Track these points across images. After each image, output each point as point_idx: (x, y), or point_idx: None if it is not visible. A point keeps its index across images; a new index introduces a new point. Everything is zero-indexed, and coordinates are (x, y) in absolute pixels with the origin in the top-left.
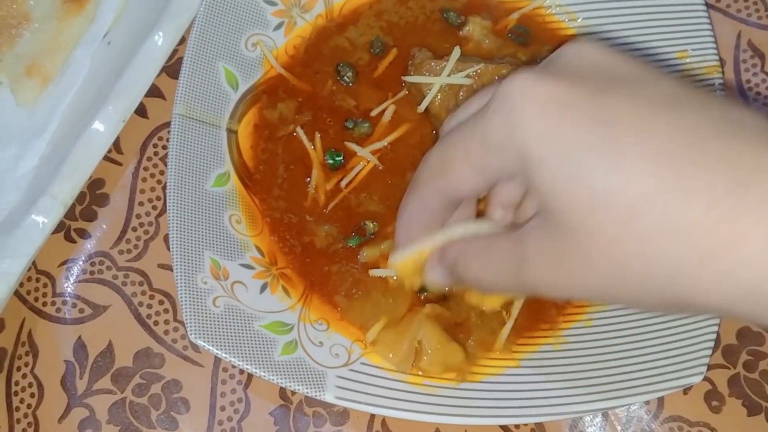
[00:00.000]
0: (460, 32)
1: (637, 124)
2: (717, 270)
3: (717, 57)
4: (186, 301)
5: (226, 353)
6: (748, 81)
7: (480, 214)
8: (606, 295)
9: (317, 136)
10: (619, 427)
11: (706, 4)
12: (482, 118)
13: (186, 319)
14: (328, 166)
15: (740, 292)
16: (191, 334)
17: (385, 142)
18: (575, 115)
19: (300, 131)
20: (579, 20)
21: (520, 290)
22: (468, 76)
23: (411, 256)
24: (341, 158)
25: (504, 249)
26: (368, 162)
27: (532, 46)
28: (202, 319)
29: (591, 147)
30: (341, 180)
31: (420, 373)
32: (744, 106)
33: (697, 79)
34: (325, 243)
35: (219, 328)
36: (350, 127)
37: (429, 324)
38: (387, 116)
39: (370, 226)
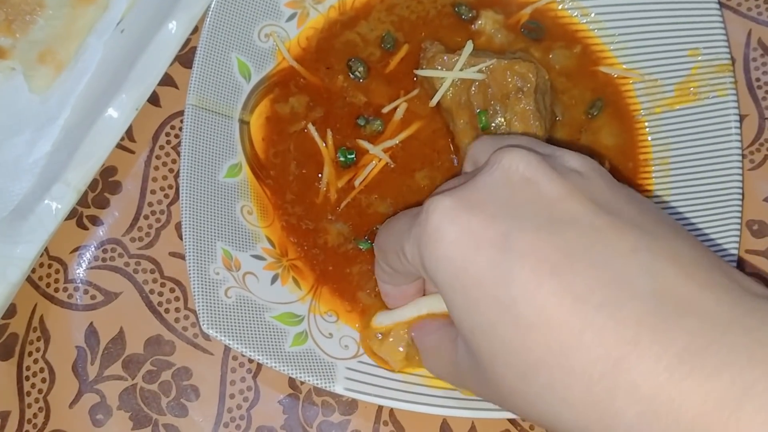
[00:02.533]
0: (472, 26)
1: (531, 284)
2: None
3: (729, 55)
4: (199, 291)
5: (238, 344)
6: (758, 79)
7: None
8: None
9: (329, 133)
10: None
11: (719, 2)
12: (410, 228)
13: (198, 310)
14: (340, 163)
15: None
16: (204, 325)
17: (397, 140)
18: (479, 265)
19: (311, 128)
20: (591, 15)
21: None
22: (480, 70)
23: (389, 324)
24: (353, 156)
25: (448, 355)
26: (380, 160)
27: (544, 42)
28: (215, 310)
29: (491, 304)
30: (353, 178)
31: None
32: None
33: (709, 77)
34: (337, 242)
35: (231, 319)
36: (362, 124)
37: None
38: (399, 114)
39: None
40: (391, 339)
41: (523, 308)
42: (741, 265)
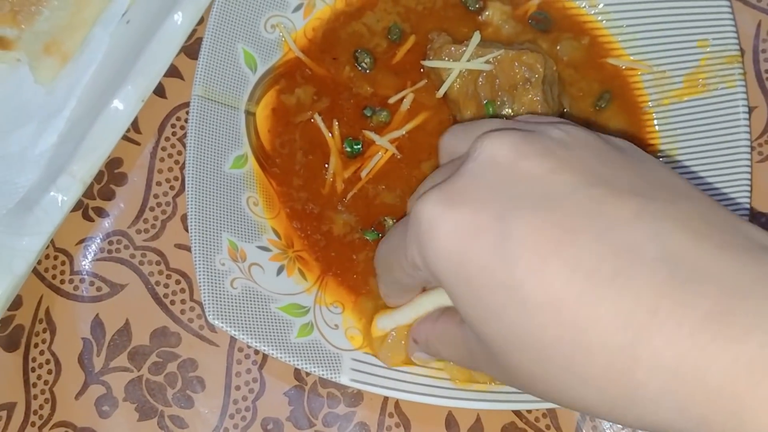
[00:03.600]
0: (479, 17)
1: (535, 264)
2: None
3: (738, 47)
4: (204, 282)
5: (243, 335)
6: (767, 71)
7: None
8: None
9: (335, 123)
10: None
11: None
12: (405, 232)
13: (204, 301)
14: (347, 154)
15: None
16: (209, 315)
17: (403, 131)
18: (479, 253)
19: (318, 118)
20: (599, 6)
21: (483, 373)
22: (488, 61)
23: (390, 328)
24: (360, 146)
25: (457, 340)
26: (386, 151)
27: (552, 33)
28: (220, 301)
29: (496, 290)
30: (359, 169)
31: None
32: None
33: (717, 68)
34: (343, 231)
35: (237, 310)
36: (369, 115)
37: None
38: (406, 104)
39: (390, 222)
40: (389, 340)
41: (531, 289)
42: None
